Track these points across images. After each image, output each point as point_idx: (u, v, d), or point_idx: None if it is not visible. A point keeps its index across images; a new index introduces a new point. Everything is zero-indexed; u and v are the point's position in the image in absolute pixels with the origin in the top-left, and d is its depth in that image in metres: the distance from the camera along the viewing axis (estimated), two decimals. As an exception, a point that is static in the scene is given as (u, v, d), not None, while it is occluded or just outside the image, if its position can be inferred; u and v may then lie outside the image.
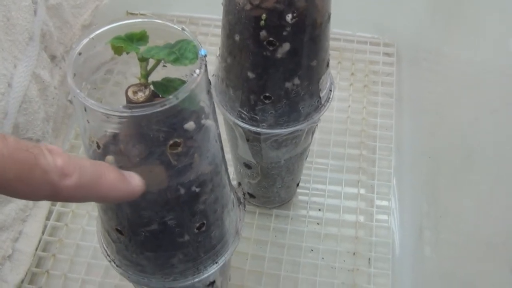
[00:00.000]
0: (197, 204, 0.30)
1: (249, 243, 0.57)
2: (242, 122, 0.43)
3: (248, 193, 0.58)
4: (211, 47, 0.75)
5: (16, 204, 0.53)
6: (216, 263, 0.35)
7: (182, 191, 0.28)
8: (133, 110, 0.24)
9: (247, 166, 0.51)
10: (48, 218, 0.58)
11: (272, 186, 0.54)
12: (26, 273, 0.54)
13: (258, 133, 0.44)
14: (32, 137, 0.54)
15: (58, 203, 0.59)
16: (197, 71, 0.25)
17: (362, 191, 0.62)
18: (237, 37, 0.38)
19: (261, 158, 0.48)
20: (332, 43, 0.76)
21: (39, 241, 0.56)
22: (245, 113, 0.43)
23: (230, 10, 0.37)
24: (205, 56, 0.26)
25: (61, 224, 0.58)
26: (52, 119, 0.59)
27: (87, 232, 0.58)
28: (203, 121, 0.27)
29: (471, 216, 0.51)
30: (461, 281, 0.50)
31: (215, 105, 0.44)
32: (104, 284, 0.54)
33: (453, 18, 0.66)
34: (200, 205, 0.30)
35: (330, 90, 0.45)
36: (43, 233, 0.57)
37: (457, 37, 0.63)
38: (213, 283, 0.39)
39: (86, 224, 0.58)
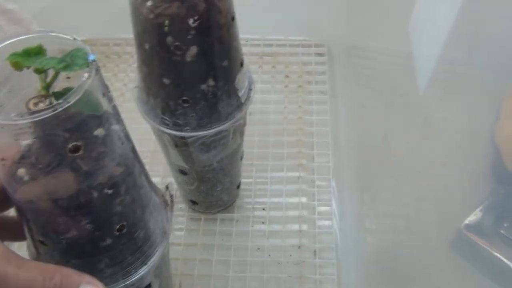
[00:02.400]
0: (112, 206, 0.31)
1: (197, 249, 0.58)
2: (167, 128, 0.45)
3: (191, 200, 0.59)
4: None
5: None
6: (145, 264, 0.36)
7: (95, 194, 0.29)
8: (25, 117, 0.25)
9: (183, 172, 0.52)
10: None
11: (211, 190, 0.56)
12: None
13: (184, 137, 0.45)
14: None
15: None
16: (86, 75, 0.26)
17: (303, 186, 0.64)
18: (146, 46, 0.40)
19: (193, 162, 0.50)
20: (265, 49, 0.80)
21: None
22: (168, 119, 0.44)
23: (136, 20, 0.39)
24: (94, 61, 0.27)
25: None
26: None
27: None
28: (103, 124, 0.29)
29: (404, 198, 0.54)
30: (402, 262, 0.52)
31: (142, 115, 0.46)
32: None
33: (373, 13, 0.69)
34: (116, 207, 0.31)
35: (250, 89, 0.47)
36: None
37: (380, 31, 0.66)
38: (149, 286, 0.40)
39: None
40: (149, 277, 0.39)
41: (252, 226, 0.60)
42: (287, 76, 0.76)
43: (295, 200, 0.63)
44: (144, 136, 0.68)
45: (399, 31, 0.54)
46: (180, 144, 0.47)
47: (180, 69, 0.40)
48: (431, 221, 0.49)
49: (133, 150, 0.33)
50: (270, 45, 0.80)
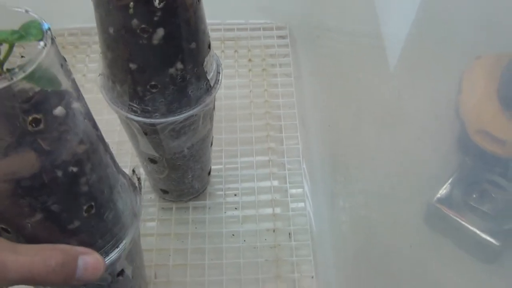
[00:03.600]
0: (79, 186, 0.29)
1: (170, 239, 0.57)
2: (135, 115, 0.43)
3: (161, 189, 0.58)
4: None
5: None
6: (116, 247, 0.35)
7: (59, 173, 0.28)
8: None
9: (152, 161, 0.51)
10: None
11: (182, 177, 0.54)
12: None
13: (153, 124, 0.44)
14: None
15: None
16: (41, 43, 0.25)
17: (274, 169, 0.63)
18: (111, 30, 0.38)
19: (163, 150, 0.48)
20: (226, 34, 0.78)
21: None
22: (136, 105, 0.42)
23: (99, 3, 0.37)
24: (49, 29, 0.25)
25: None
26: None
27: None
28: (64, 98, 0.27)
29: (376, 176, 0.54)
30: (377, 238, 0.52)
31: (108, 103, 0.44)
32: None
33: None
34: (82, 186, 0.30)
35: (218, 72, 0.46)
36: None
37: (343, 11, 0.66)
38: (122, 272, 0.38)
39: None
40: (122, 262, 0.38)
41: (225, 212, 0.60)
42: (250, 60, 0.75)
43: (266, 184, 0.62)
44: (107, 127, 0.66)
45: (364, 10, 0.54)
46: (150, 132, 0.46)
47: (147, 53, 0.38)
48: (404, 196, 0.50)
49: (96, 127, 0.31)
50: (232, 30, 0.79)
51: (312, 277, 0.55)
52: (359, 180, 0.55)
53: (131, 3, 0.36)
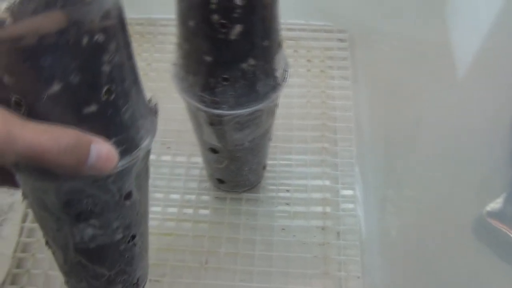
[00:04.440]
0: (101, 61, 0.27)
1: (223, 228, 0.59)
2: (204, 106, 0.45)
3: (217, 178, 0.60)
4: (171, 46, 0.77)
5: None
6: (130, 154, 0.32)
7: (84, 39, 0.26)
8: None
9: (214, 150, 0.53)
10: (24, 221, 0.59)
11: (240, 169, 0.56)
12: (7, 275, 0.55)
13: (221, 115, 0.46)
14: None
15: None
16: None
17: (326, 169, 0.65)
18: (191, 23, 0.40)
19: (226, 141, 0.50)
20: (287, 33, 0.80)
21: (17, 243, 0.57)
22: (207, 96, 0.45)
23: (182, -3, 0.39)
24: None
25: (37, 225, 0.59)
26: None
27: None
28: None
29: (428, 184, 0.54)
30: (425, 246, 0.53)
31: (179, 93, 0.46)
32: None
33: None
34: (105, 64, 0.27)
35: (285, 70, 0.48)
36: (20, 235, 0.58)
37: (403, 18, 0.67)
38: (130, 194, 0.35)
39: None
40: (131, 182, 0.35)
41: (276, 207, 0.61)
42: (309, 61, 0.76)
43: (318, 182, 0.63)
44: (168, 115, 0.69)
45: (431, 18, 0.54)
46: (216, 123, 0.48)
47: (224, 47, 0.40)
48: (455, 207, 0.50)
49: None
50: (293, 29, 0.80)
51: (359, 277, 0.56)
52: (412, 188, 0.56)
53: (214, -1, 0.38)
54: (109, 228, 0.36)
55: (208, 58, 0.42)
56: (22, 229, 0.59)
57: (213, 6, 0.38)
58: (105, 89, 0.28)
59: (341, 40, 0.80)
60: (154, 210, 0.61)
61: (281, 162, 0.65)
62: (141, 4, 0.84)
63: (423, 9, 0.64)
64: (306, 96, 0.72)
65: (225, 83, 0.43)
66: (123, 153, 0.31)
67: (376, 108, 0.69)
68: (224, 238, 0.58)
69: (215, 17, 0.38)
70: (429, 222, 0.53)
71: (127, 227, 0.37)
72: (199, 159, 0.65)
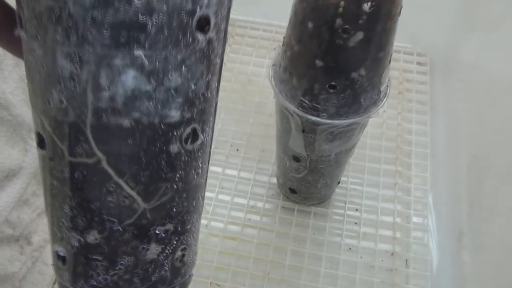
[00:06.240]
0: None
1: (288, 239, 0.58)
2: (303, 111, 0.44)
3: (290, 188, 0.58)
4: (247, 48, 0.76)
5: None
6: None
7: None
8: None
9: (296, 159, 0.51)
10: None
11: (316, 181, 0.55)
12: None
13: (317, 123, 0.44)
14: None
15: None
16: None
17: (399, 193, 0.62)
18: (310, 24, 0.39)
19: (312, 150, 0.49)
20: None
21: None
22: (307, 102, 0.43)
23: (307, -3, 0.38)
24: None
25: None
26: None
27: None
28: None
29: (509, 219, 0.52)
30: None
31: (277, 94, 0.45)
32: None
33: (484, 29, 0.67)
34: None
35: (387, 86, 0.46)
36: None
37: (490, 50, 0.64)
38: (195, 135, 0.23)
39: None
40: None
41: (345, 225, 0.59)
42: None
43: (390, 206, 0.61)
44: (240, 117, 0.68)
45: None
46: (308, 130, 0.46)
47: (339, 53, 0.39)
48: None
49: None
50: (372, 47, 0.78)
51: (426, 309, 0.53)
52: (500, 224, 0.53)
53: (342, 3, 0.36)
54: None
55: (319, 63, 0.40)
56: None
57: (340, 10, 0.36)
58: None
59: (420, 63, 0.77)
60: (219, 212, 0.60)
61: (352, 179, 0.63)
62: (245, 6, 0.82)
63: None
64: (382, 116, 0.70)
65: (331, 90, 0.41)
66: None
67: (455, 137, 0.66)
68: (289, 250, 0.57)
69: (339, 21, 0.37)
70: (509, 263, 0.50)
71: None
72: (267, 166, 0.63)
